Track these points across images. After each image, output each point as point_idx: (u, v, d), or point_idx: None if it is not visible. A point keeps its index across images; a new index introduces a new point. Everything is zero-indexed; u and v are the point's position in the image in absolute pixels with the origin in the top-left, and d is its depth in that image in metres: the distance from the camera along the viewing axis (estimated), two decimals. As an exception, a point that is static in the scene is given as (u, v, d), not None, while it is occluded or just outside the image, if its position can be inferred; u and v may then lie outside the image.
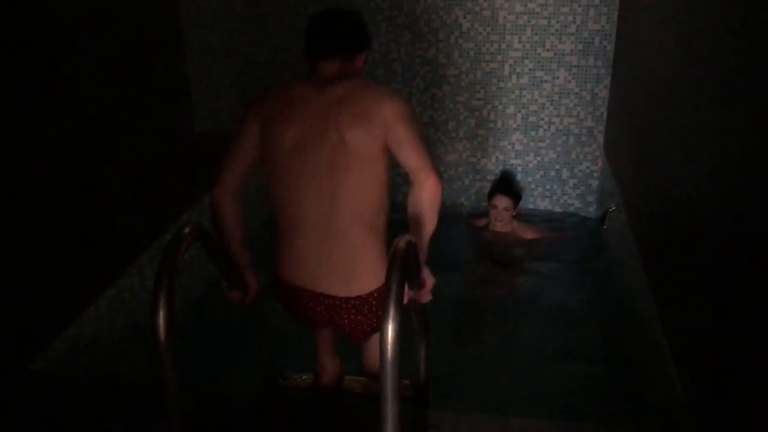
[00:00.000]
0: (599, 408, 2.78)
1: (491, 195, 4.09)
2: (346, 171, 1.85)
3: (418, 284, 1.84)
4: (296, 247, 1.96)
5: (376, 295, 1.96)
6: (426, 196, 1.87)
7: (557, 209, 4.55)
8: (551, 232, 4.21)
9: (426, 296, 1.92)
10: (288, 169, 1.88)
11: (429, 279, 1.90)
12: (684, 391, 2.10)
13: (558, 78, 4.21)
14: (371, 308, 1.98)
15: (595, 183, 4.46)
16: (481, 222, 4.25)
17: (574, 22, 4.06)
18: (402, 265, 1.40)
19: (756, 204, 1.63)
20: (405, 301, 1.91)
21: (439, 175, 1.89)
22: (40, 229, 2.56)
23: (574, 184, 4.50)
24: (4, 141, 2.41)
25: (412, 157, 1.84)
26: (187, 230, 1.58)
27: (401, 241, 1.46)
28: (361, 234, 1.91)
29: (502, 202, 4.01)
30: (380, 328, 1.30)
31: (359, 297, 1.96)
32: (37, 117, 2.59)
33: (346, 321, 2.01)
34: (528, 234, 4.12)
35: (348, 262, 1.93)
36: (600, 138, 4.33)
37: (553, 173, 4.48)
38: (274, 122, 1.87)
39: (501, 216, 4.03)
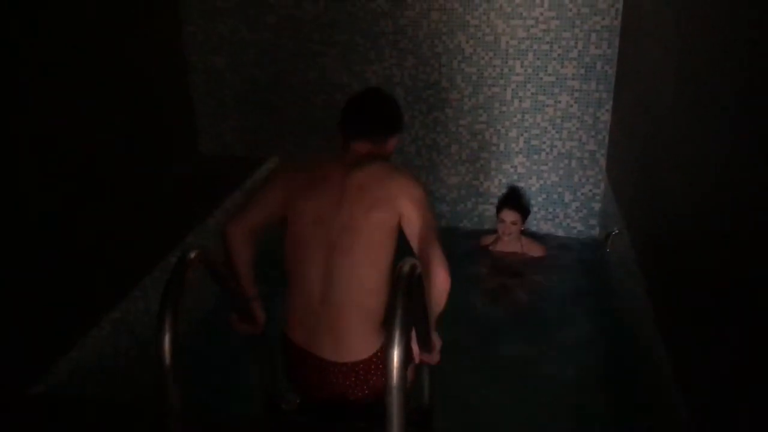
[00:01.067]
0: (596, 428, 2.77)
1: (499, 209, 4.15)
2: (348, 253, 1.91)
3: (427, 347, 1.91)
4: (297, 309, 2.04)
5: (362, 366, 2.01)
6: (435, 292, 1.89)
7: (560, 232, 4.56)
8: (558, 252, 4.25)
9: (435, 358, 2.01)
10: (302, 240, 1.96)
11: (437, 342, 1.99)
12: (689, 417, 2.09)
13: (560, 102, 4.24)
14: (358, 376, 2.02)
15: (597, 206, 4.47)
16: (489, 240, 4.30)
17: (576, 47, 4.10)
18: (407, 290, 1.40)
19: (760, 227, 1.64)
20: (416, 361, 1.97)
21: (448, 267, 1.88)
22: (43, 250, 2.56)
23: (577, 207, 4.51)
24: (10, 164, 2.43)
25: (426, 250, 1.87)
26: (192, 254, 1.59)
27: (406, 266, 1.46)
28: (353, 312, 1.96)
29: (509, 216, 4.07)
30: (385, 353, 1.30)
31: (345, 364, 2.01)
32: (42, 139, 2.62)
33: (334, 383, 2.03)
34: (535, 251, 4.18)
35: (338, 330, 1.98)
36: (602, 161, 4.35)
37: (555, 196, 4.49)
38: (301, 196, 1.96)
39: (509, 230, 4.09)
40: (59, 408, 2.30)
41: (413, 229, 1.89)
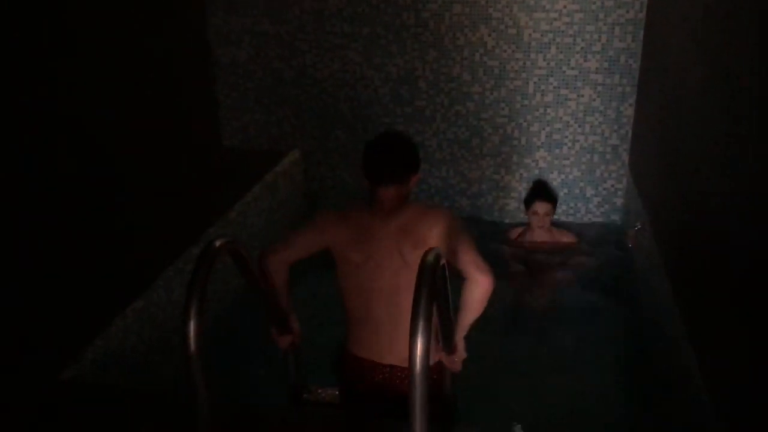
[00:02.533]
0: (627, 427, 2.76)
1: (530, 202, 4.13)
2: (408, 288, 1.97)
3: (449, 346, 2.10)
4: (364, 336, 2.24)
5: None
6: (478, 293, 2.12)
7: (582, 226, 4.53)
8: (586, 244, 4.24)
9: (456, 365, 2.21)
10: (358, 284, 2.19)
11: (462, 352, 2.21)
12: (714, 415, 2.08)
13: (583, 96, 4.21)
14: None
15: (619, 201, 4.43)
16: (517, 233, 4.27)
17: (600, 41, 4.06)
18: (431, 280, 1.40)
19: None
20: (433, 360, 2.02)
21: (493, 274, 2.11)
22: (69, 241, 2.60)
23: (599, 202, 4.48)
24: (41, 158, 2.47)
25: (468, 263, 2.10)
26: (219, 243, 1.61)
27: (430, 256, 1.47)
28: None
29: (542, 207, 4.06)
30: (409, 343, 1.31)
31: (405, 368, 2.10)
32: (70, 131, 2.65)
33: (398, 385, 2.18)
34: (565, 238, 4.19)
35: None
36: (625, 156, 4.31)
37: (577, 191, 4.46)
38: (346, 247, 2.19)
39: (542, 222, 4.08)
40: (87, 394, 2.34)
41: (454, 251, 2.08)
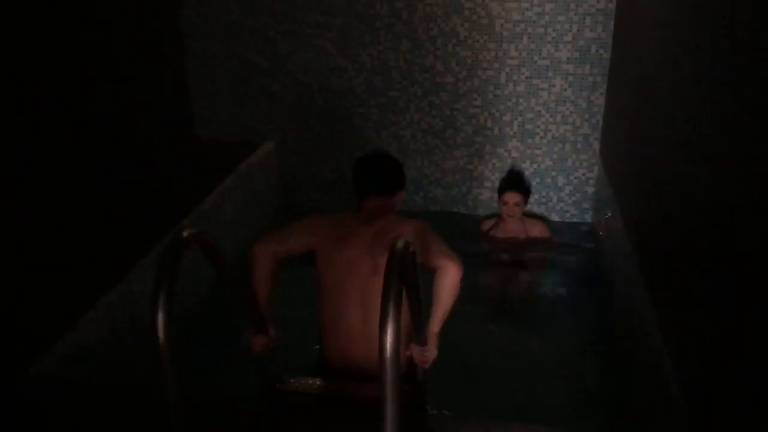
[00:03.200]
0: (597, 413, 2.81)
1: (501, 191, 4.10)
2: (376, 292, 2.01)
3: (420, 337, 2.13)
4: (333, 342, 2.37)
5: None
6: (447, 282, 2.15)
7: (553, 216, 4.58)
8: (556, 234, 4.27)
9: (427, 358, 2.22)
10: (335, 284, 2.31)
11: (434, 350, 2.22)
12: (682, 396, 2.12)
13: (554, 86, 4.25)
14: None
15: (590, 190, 4.49)
16: (489, 224, 4.27)
17: (571, 31, 4.10)
18: (400, 266, 1.41)
19: (755, 207, 1.65)
20: (404, 356, 2.05)
21: (462, 265, 2.17)
22: (39, 232, 2.57)
23: (570, 191, 4.53)
24: (5, 144, 2.43)
25: (436, 254, 2.16)
26: (186, 233, 1.60)
27: (399, 243, 1.48)
28: None
29: (513, 197, 4.02)
30: (380, 329, 1.32)
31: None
32: (37, 120, 2.61)
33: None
34: (537, 229, 4.16)
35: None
36: (596, 145, 4.36)
37: (549, 180, 4.51)
38: (330, 247, 2.30)
39: (512, 211, 4.04)
40: (56, 387, 2.32)
41: (423, 250, 2.14)
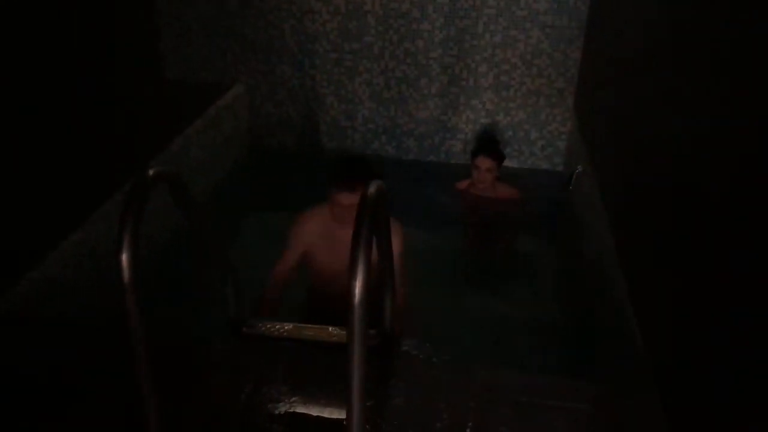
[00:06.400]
0: (563, 361, 2.88)
1: (474, 155, 3.93)
2: None
3: (390, 286, 2.12)
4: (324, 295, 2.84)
5: None
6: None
7: (525, 169, 4.59)
8: (527, 193, 4.16)
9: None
10: (324, 278, 2.75)
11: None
12: (646, 348, 2.17)
13: (531, 38, 4.20)
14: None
15: (563, 144, 4.49)
16: (464, 184, 4.12)
17: (550, -19, 4.03)
18: (372, 210, 1.40)
19: (728, 166, 1.66)
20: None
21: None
22: (3, 171, 2.50)
23: (542, 145, 4.53)
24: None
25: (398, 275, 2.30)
26: (153, 171, 1.56)
27: (372, 187, 1.46)
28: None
29: (484, 163, 3.86)
30: (349, 272, 1.31)
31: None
32: (4, 59, 2.51)
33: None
34: (508, 194, 4.04)
35: None
36: (570, 100, 4.35)
37: (522, 134, 4.50)
38: (316, 251, 2.75)
39: (483, 177, 3.89)
40: (19, 326, 2.29)
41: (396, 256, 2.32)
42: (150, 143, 3.51)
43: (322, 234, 2.68)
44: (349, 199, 2.51)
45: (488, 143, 4.10)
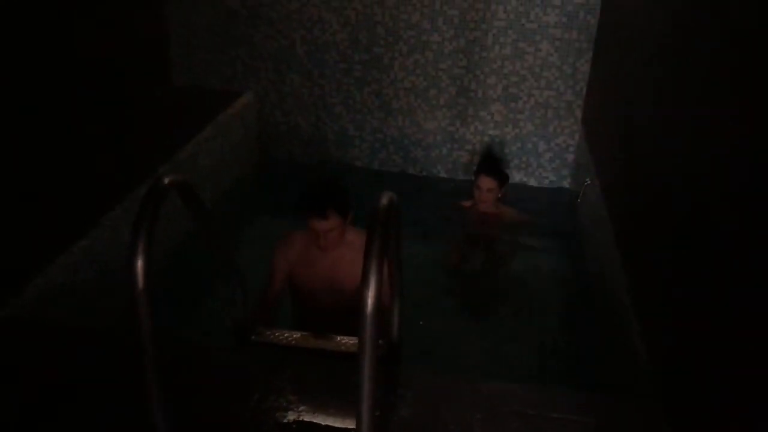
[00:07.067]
0: (568, 375, 2.87)
1: (476, 174, 3.79)
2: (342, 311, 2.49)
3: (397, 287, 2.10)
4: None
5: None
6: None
7: (532, 182, 4.60)
8: (533, 216, 4.04)
9: None
10: (308, 295, 2.73)
11: None
12: (650, 362, 2.16)
13: (540, 50, 4.21)
14: None
15: (570, 157, 4.50)
16: (468, 203, 3.96)
17: (560, -5, 4.05)
18: (384, 221, 1.40)
19: (731, 182, 1.66)
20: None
21: None
22: (12, 175, 2.51)
23: (550, 158, 4.53)
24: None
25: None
26: (168, 178, 1.56)
27: (384, 198, 1.46)
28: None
29: (486, 183, 3.71)
30: (362, 282, 1.31)
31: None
32: (9, 63, 2.52)
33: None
34: (510, 216, 3.90)
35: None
36: (578, 112, 4.36)
37: (530, 146, 4.50)
38: (300, 272, 2.71)
39: (485, 197, 3.74)
40: (27, 331, 2.29)
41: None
42: (159, 150, 3.53)
43: (303, 257, 2.67)
44: (322, 225, 2.49)
45: (490, 163, 3.98)
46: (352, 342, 2.20)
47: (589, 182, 3.79)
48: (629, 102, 3.00)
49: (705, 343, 1.72)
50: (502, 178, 3.77)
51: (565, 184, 4.55)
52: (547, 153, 4.52)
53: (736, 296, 1.55)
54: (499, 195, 3.79)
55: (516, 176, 4.57)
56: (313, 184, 2.57)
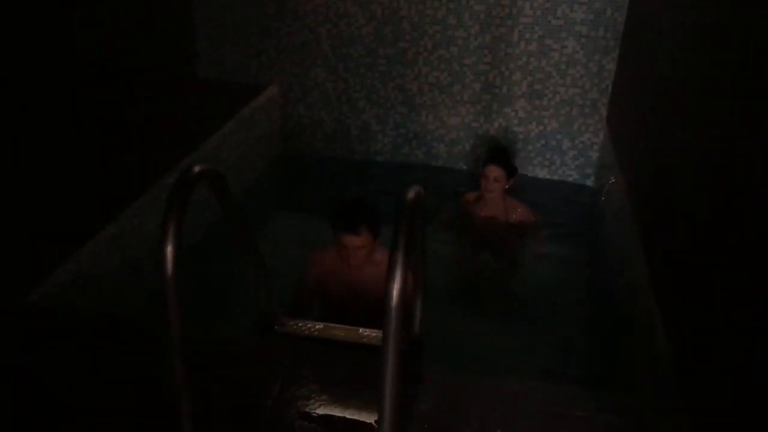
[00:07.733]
0: (590, 374, 2.86)
1: (484, 164, 3.69)
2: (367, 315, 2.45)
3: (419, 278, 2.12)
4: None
5: None
6: None
7: (555, 179, 4.57)
8: (540, 216, 3.90)
9: None
10: (334, 309, 2.81)
11: None
12: (674, 363, 2.15)
13: (566, 47, 4.19)
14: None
15: (595, 155, 4.47)
16: (471, 197, 3.88)
17: (587, -9, 4.02)
18: (411, 215, 1.41)
19: (762, 179, 1.65)
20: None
21: None
22: (41, 164, 2.55)
23: (574, 155, 4.51)
24: (13, 81, 2.39)
25: None
26: (199, 168, 1.58)
27: (411, 192, 1.47)
28: None
29: (493, 171, 3.61)
30: (387, 275, 1.32)
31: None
32: (42, 58, 2.56)
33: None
34: (518, 215, 3.77)
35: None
36: (603, 111, 4.33)
37: (554, 143, 4.48)
38: (328, 283, 2.79)
39: (491, 186, 3.63)
40: (54, 317, 2.33)
41: None
42: (183, 142, 3.56)
43: (332, 273, 2.76)
44: (353, 242, 2.56)
45: (498, 151, 3.94)
46: (374, 334, 2.21)
47: (613, 180, 3.77)
48: (657, 100, 2.97)
49: (733, 344, 1.71)
50: (509, 168, 3.68)
51: (588, 182, 4.52)
52: (571, 151, 4.49)
53: (766, 295, 1.53)
54: (507, 186, 3.68)
55: (539, 173, 4.56)
56: (346, 201, 2.65)
